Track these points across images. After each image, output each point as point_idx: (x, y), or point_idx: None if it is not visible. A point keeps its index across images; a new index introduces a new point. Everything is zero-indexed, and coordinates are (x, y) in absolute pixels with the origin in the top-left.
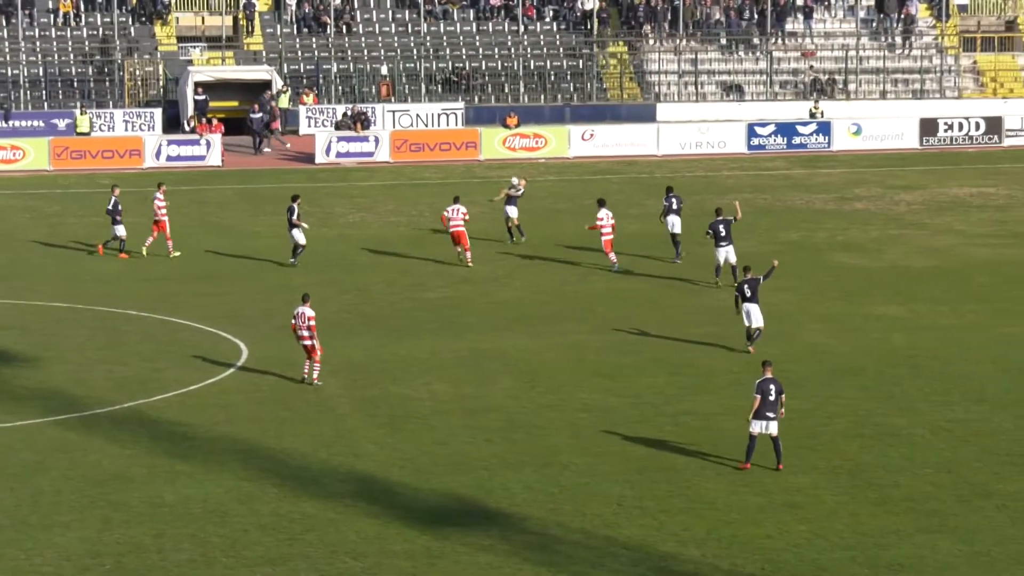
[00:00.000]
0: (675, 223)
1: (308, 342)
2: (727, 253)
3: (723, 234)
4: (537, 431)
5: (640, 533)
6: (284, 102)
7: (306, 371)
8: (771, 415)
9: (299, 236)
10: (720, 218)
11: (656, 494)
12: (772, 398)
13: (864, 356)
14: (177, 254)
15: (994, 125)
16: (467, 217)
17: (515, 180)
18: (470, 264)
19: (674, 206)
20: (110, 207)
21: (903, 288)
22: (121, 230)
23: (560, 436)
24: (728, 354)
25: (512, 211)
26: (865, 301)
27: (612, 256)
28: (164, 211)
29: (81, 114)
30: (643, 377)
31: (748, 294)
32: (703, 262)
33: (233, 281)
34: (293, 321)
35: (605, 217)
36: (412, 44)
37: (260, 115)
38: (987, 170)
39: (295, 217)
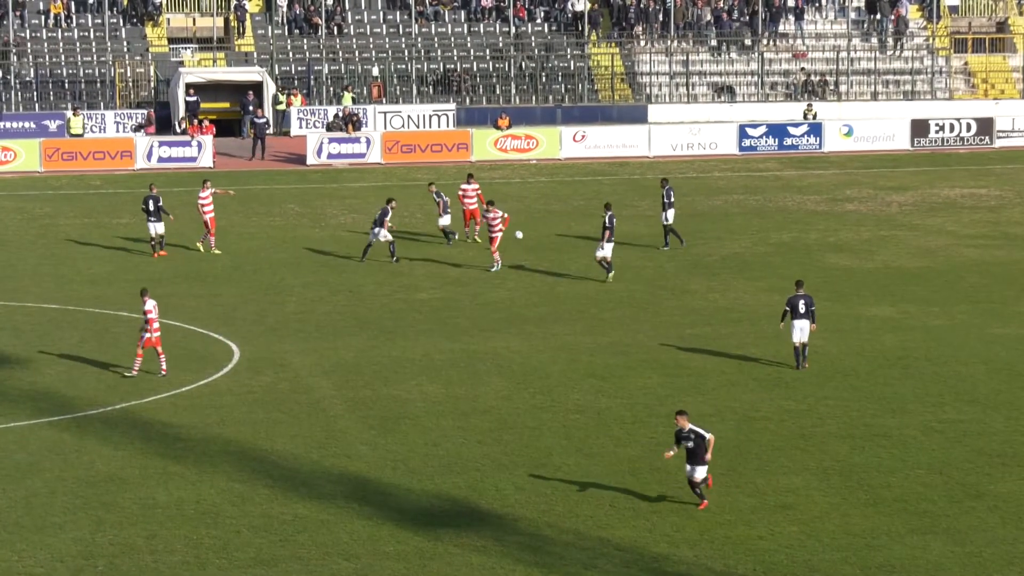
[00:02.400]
0: (668, 215)
1: (159, 333)
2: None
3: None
4: (529, 432)
5: (632, 534)
6: (280, 107)
7: (164, 368)
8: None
9: (385, 234)
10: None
11: (649, 495)
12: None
13: (855, 357)
14: (218, 252)
15: (985, 126)
16: (479, 193)
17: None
18: (479, 240)
19: (666, 199)
20: (160, 204)
21: (894, 289)
22: (155, 228)
23: (552, 437)
24: (720, 355)
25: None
26: (856, 302)
27: (496, 256)
28: (209, 207)
29: (74, 115)
30: (635, 378)
31: (802, 310)
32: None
33: (225, 282)
34: (151, 315)
35: (500, 213)
36: (403, 45)
37: (264, 119)
38: (978, 171)
39: (387, 219)
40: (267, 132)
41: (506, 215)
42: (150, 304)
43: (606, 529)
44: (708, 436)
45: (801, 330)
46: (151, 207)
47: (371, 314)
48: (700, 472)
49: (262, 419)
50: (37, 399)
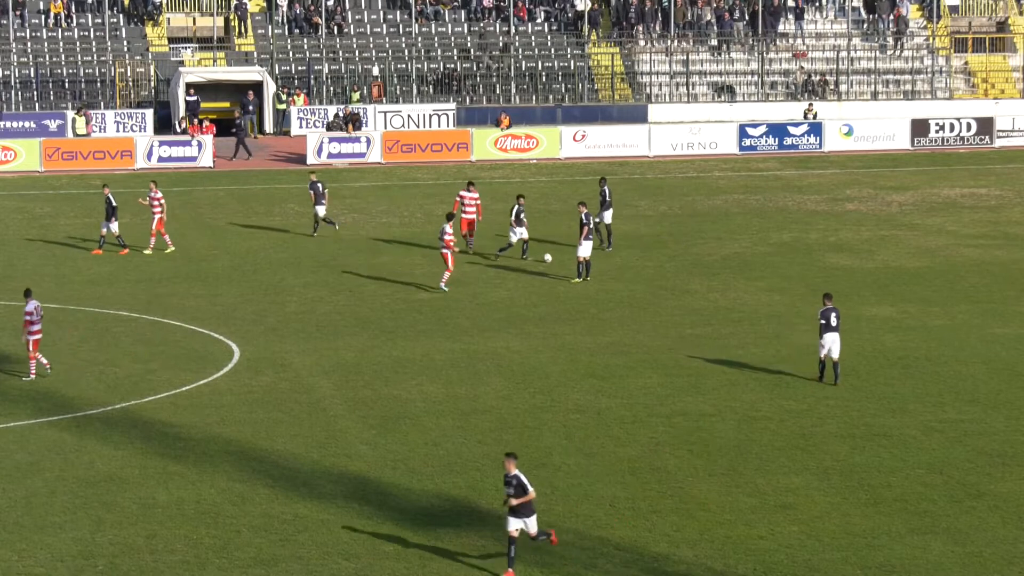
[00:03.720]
0: (605, 215)
1: (39, 335)
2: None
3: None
4: (529, 432)
5: (632, 534)
6: (282, 106)
7: (35, 370)
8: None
9: (521, 232)
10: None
11: (648, 495)
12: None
13: (855, 357)
14: (149, 252)
15: (985, 126)
16: (479, 203)
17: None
18: (470, 251)
19: (607, 198)
20: (116, 205)
21: (894, 289)
22: (109, 227)
23: (552, 437)
24: (720, 355)
25: (321, 210)
26: (856, 302)
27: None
28: (159, 208)
29: (78, 115)
30: (635, 378)
31: (834, 323)
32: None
33: (225, 282)
34: (29, 317)
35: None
36: (403, 45)
37: (239, 119)
38: (978, 171)
39: (523, 216)
40: (244, 134)
41: (479, 202)
42: (31, 306)
43: (606, 529)
44: (531, 491)
45: (831, 345)
46: (113, 205)
47: (371, 314)
48: (532, 524)
49: (262, 419)
50: (37, 399)
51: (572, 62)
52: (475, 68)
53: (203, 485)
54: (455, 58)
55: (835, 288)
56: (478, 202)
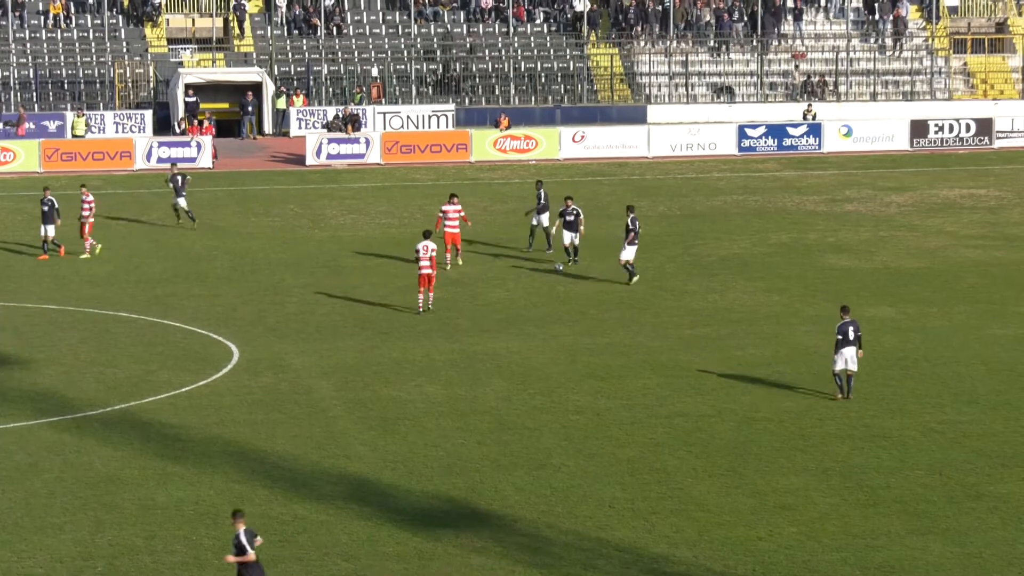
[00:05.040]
0: (542, 218)
1: None
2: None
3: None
4: (529, 433)
5: (632, 535)
6: (282, 103)
7: None
8: None
9: (573, 237)
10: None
11: (648, 496)
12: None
13: None
14: (87, 256)
15: (984, 127)
16: (463, 215)
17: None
18: (460, 262)
19: (541, 201)
20: (56, 207)
21: (893, 289)
22: (46, 230)
23: (552, 438)
24: (719, 356)
25: (182, 201)
26: (856, 302)
27: (426, 295)
28: (88, 211)
29: (78, 116)
30: (635, 379)
31: (851, 337)
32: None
33: (225, 283)
34: None
35: (460, 209)
36: (403, 45)
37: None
38: (977, 172)
39: (579, 219)
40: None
41: (464, 214)
42: None
43: (605, 530)
44: (250, 553)
45: (848, 359)
46: (45, 209)
47: (371, 314)
48: None
49: (262, 420)
50: (37, 399)
51: (571, 63)
52: (475, 68)
53: (202, 486)
54: (455, 58)
55: (834, 289)
56: (462, 214)
